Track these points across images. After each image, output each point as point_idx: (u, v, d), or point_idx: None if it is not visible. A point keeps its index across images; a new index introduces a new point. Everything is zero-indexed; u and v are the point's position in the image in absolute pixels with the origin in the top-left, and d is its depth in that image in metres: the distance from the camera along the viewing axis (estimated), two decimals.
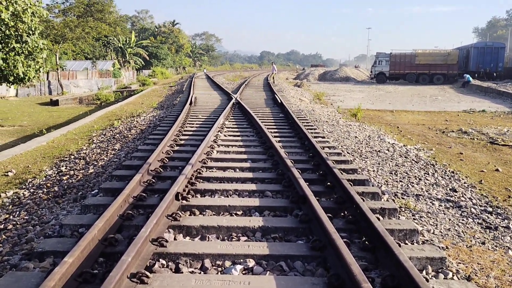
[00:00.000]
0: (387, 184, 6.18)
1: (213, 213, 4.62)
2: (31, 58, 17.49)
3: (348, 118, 15.18)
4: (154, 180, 5.39)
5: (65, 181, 6.40)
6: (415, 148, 10.43)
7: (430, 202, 5.48)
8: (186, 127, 10.08)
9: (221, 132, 9.24)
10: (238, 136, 9.08)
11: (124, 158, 7.39)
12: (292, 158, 6.70)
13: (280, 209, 4.72)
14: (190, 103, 14.82)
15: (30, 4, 16.24)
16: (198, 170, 5.88)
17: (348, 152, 8.07)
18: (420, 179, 6.64)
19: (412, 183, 6.36)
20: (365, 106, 19.19)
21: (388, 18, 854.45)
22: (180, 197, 4.64)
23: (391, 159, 7.90)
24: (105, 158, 7.66)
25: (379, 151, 8.53)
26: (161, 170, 5.96)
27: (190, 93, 18.15)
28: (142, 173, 5.31)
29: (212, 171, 6.21)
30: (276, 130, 9.74)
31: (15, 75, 16.92)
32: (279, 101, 14.97)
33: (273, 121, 11.37)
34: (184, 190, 4.90)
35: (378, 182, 6.15)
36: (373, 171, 6.84)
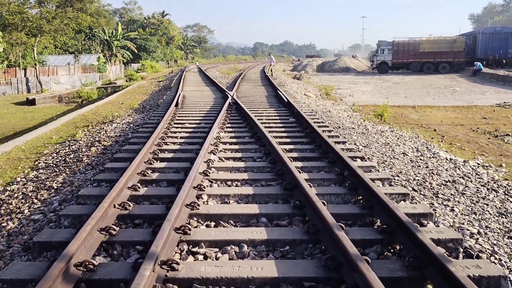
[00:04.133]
0: None
1: None
2: None
3: (371, 119, 12.32)
4: None
5: None
6: (479, 164, 7.62)
7: None
8: (165, 144, 7.17)
9: (215, 153, 6.34)
10: (240, 160, 6.17)
11: (52, 213, 4.46)
12: (337, 213, 3.86)
13: None
14: (176, 105, 11.88)
15: None
16: (169, 263, 2.97)
17: (413, 188, 5.18)
18: None
19: None
20: (380, 101, 16.32)
21: (381, 7, 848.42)
22: None
23: (482, 198, 5.04)
24: (26, 211, 4.72)
25: (453, 181, 5.66)
26: (94, 264, 3.04)
27: (178, 91, 15.14)
28: (55, 277, 2.43)
29: (199, 254, 3.31)
30: (292, 147, 6.85)
31: None
32: (286, 100, 12.06)
33: (283, 129, 8.47)
34: None
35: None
36: (480, 234, 3.96)
